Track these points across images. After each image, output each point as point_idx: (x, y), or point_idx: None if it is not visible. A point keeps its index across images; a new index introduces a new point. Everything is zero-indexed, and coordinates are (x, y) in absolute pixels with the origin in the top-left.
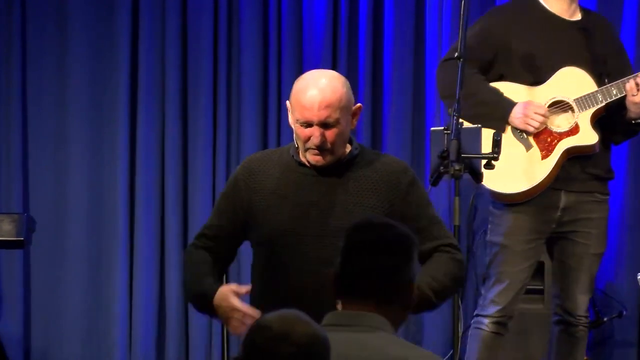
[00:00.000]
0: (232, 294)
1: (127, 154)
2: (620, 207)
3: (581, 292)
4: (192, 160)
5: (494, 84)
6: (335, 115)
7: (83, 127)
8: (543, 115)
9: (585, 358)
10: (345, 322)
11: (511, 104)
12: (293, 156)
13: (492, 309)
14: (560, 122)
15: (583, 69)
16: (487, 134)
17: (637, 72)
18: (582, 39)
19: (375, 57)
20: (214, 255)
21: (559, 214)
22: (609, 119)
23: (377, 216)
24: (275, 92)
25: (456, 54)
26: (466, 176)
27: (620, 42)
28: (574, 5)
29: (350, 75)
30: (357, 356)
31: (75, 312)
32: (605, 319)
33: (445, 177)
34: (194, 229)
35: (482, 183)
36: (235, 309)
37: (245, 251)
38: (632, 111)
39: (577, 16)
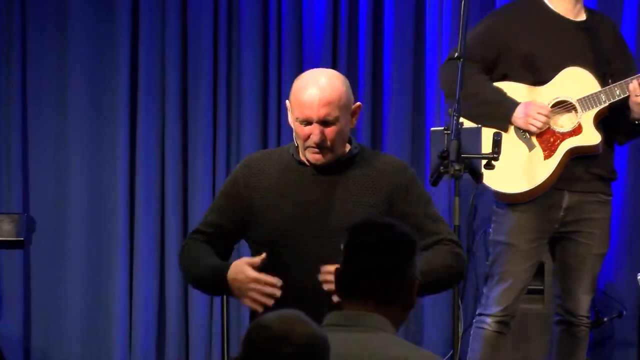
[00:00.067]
0: (247, 266)
1: (127, 154)
2: (621, 207)
3: (583, 292)
4: (192, 160)
5: (497, 84)
6: (335, 112)
7: (83, 127)
8: (546, 116)
9: (585, 358)
10: (346, 322)
11: (514, 104)
12: (293, 155)
13: (495, 308)
14: (563, 122)
15: (587, 69)
16: (487, 134)
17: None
18: (587, 39)
19: (375, 57)
20: None
21: (562, 213)
22: (613, 120)
23: (378, 216)
24: (275, 92)
25: (456, 54)
26: (466, 176)
27: (625, 42)
28: (579, 6)
29: (350, 75)
30: (358, 356)
31: (75, 312)
32: (605, 319)
33: (445, 177)
34: None
35: (485, 183)
36: (254, 279)
37: (245, 251)
38: (636, 112)
39: (582, 16)
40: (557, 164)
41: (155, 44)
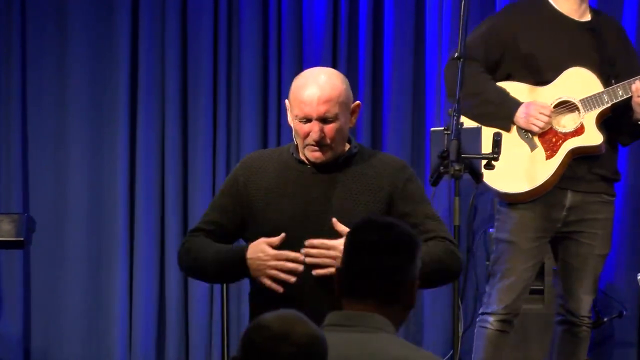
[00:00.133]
0: (267, 245)
1: (127, 154)
2: (621, 207)
3: (585, 292)
4: (192, 160)
5: (500, 84)
6: (334, 110)
7: (83, 127)
8: (548, 116)
9: (586, 358)
10: (346, 322)
11: (517, 104)
12: (293, 154)
13: (497, 307)
14: (565, 123)
15: (590, 69)
16: (487, 134)
17: None
18: (591, 40)
19: (375, 57)
20: None
21: (564, 213)
22: (616, 120)
23: (378, 215)
24: (275, 92)
25: (456, 54)
26: (466, 176)
27: (631, 44)
28: (584, 6)
29: (350, 75)
30: (358, 356)
31: (75, 312)
32: (605, 319)
33: (445, 177)
34: None
35: (487, 183)
36: (274, 256)
37: None
38: (638, 112)
39: (587, 17)
40: (559, 164)
41: (155, 44)
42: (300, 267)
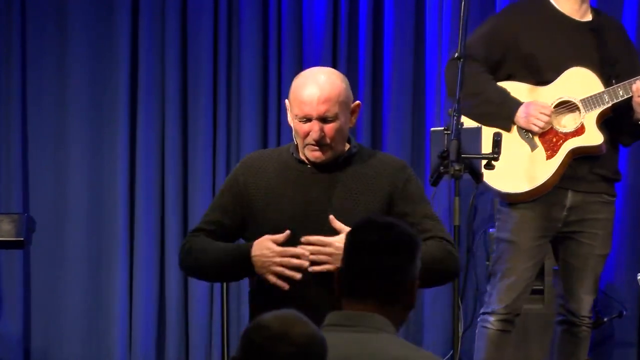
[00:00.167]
0: (271, 242)
1: (127, 154)
2: (621, 207)
3: (585, 292)
4: (192, 160)
5: (500, 84)
6: (334, 109)
7: (83, 127)
8: (548, 116)
9: (586, 358)
10: (347, 322)
11: (517, 104)
12: (292, 154)
13: (498, 306)
14: (566, 123)
15: (591, 69)
16: (487, 134)
17: None
18: (592, 40)
19: (375, 57)
20: None
21: (565, 213)
22: (616, 120)
23: (378, 215)
24: (275, 92)
25: (456, 54)
26: (466, 176)
27: (632, 44)
28: (585, 6)
29: (350, 75)
30: (358, 356)
31: (75, 312)
32: (605, 319)
33: (445, 177)
34: None
35: (487, 183)
36: (279, 253)
37: None
38: (639, 112)
39: (588, 17)
40: (559, 164)
41: (155, 44)
42: (306, 263)
